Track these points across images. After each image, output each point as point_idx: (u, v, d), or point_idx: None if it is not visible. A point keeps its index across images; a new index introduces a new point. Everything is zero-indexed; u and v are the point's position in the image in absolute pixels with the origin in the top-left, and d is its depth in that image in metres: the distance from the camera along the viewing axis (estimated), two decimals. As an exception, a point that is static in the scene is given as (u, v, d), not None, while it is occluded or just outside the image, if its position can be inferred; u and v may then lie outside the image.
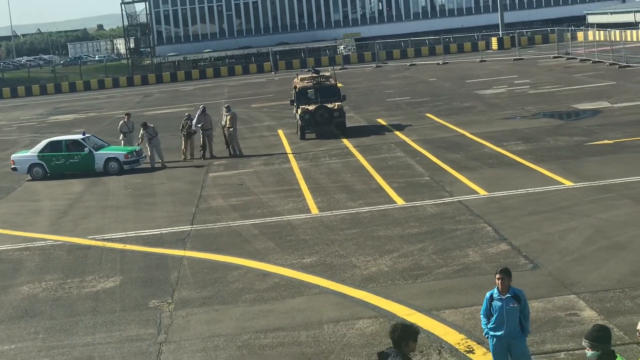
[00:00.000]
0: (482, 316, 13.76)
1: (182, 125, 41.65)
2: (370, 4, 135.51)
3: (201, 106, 43.43)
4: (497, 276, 13.38)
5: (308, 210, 28.14)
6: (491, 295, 13.52)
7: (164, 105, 72.29)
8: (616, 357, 10.02)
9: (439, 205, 27.08)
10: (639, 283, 18.36)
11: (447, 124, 44.66)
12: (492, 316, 13.50)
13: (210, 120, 41.96)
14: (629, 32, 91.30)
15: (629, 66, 66.03)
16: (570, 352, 15.20)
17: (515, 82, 63.92)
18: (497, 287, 13.43)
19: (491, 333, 13.60)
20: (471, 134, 40.46)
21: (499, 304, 13.40)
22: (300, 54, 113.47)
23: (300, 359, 16.25)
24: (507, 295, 13.36)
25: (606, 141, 35.28)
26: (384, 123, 47.53)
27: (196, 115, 41.83)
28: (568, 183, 28.38)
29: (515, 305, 13.34)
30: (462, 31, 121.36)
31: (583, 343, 10.18)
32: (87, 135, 41.01)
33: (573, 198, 26.38)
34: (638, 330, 10.39)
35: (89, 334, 18.63)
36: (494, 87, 61.30)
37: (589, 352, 10.08)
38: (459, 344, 16.05)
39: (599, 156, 32.41)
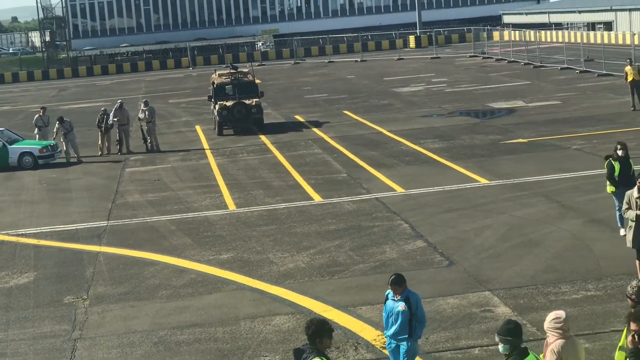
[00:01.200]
0: (384, 314, 13.83)
1: (99, 120, 41.23)
2: (289, 0, 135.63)
3: (119, 101, 43.01)
4: (389, 287, 13.44)
5: (225, 207, 28.06)
6: (387, 295, 13.60)
7: (80, 99, 71.47)
8: (528, 354, 10.17)
9: (356, 202, 27.20)
10: (552, 280, 18.66)
11: (365, 121, 44.88)
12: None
13: (127, 116, 41.58)
14: (543, 32, 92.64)
15: (543, 66, 67.03)
16: (485, 347, 15.38)
17: (433, 80, 64.49)
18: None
19: (385, 332, 13.70)
20: (388, 131, 40.71)
21: (391, 304, 13.47)
22: (218, 49, 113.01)
23: (216, 355, 16.19)
24: (399, 297, 13.43)
25: (521, 140, 35.77)
26: (301, 120, 47.60)
27: (113, 110, 41.44)
28: (484, 181, 28.71)
29: (405, 308, 13.36)
30: (380, 29, 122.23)
31: (496, 338, 10.34)
32: (0, 129, 40.36)
33: (488, 196, 26.70)
34: (545, 327, 10.62)
35: (2, 330, 18.34)
36: (412, 85, 61.77)
37: (501, 347, 10.27)
38: (375, 340, 16.13)
39: (513, 154, 32.84)
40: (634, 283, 11.57)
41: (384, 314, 13.68)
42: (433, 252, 21.34)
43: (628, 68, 41.84)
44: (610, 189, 21.47)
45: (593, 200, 24.78)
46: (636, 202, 17.65)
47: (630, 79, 41.36)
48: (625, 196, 18.01)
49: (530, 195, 26.30)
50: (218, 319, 17.93)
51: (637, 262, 17.79)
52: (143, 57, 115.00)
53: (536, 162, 30.94)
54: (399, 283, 13.36)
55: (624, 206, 17.90)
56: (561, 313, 10.61)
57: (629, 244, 17.89)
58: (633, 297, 11.40)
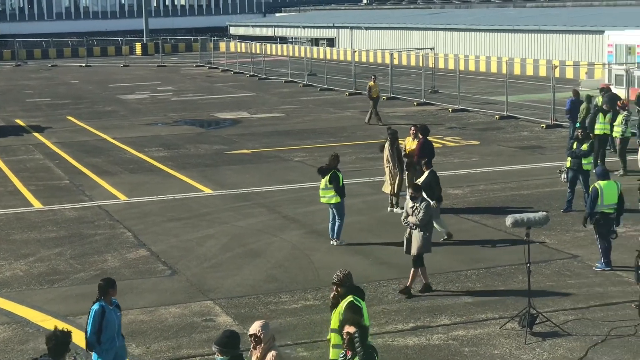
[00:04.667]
0: (93, 335, 13.18)
1: None
2: (11, 0, 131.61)
3: None
4: (110, 291, 13.22)
5: (-61, 212, 26.96)
6: (102, 308, 13.12)
7: None
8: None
9: (78, 210, 26.75)
10: (272, 289, 19.00)
11: (89, 127, 44.22)
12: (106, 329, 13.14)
13: None
14: (269, 45, 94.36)
15: (268, 79, 68.30)
16: (206, 356, 15.48)
17: (158, 88, 64.39)
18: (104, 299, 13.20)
19: (109, 345, 13.18)
20: (112, 138, 40.28)
21: (113, 315, 13.20)
22: None
23: None
24: (114, 305, 13.33)
25: (245, 150, 36.26)
26: (22, 124, 46.37)
27: None
28: (207, 190, 28.90)
29: (119, 313, 13.42)
30: (106, 34, 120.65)
31: (213, 348, 10.55)
32: None
33: (212, 205, 26.89)
34: (249, 334, 10.93)
35: None
36: (137, 93, 61.42)
37: (219, 357, 10.48)
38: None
39: (237, 165, 33.24)
40: (339, 271, 12.75)
41: (103, 327, 13.15)
42: (156, 261, 21.28)
43: (371, 83, 43.10)
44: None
45: (312, 212, 25.42)
46: (410, 211, 18.41)
47: (375, 95, 42.66)
48: (405, 205, 18.78)
49: (252, 205, 26.70)
50: None
51: (412, 269, 18.39)
52: None
53: (259, 173, 31.45)
54: (115, 286, 13.29)
55: (403, 215, 18.64)
56: (256, 326, 10.94)
57: (406, 251, 18.64)
58: (335, 280, 12.64)
